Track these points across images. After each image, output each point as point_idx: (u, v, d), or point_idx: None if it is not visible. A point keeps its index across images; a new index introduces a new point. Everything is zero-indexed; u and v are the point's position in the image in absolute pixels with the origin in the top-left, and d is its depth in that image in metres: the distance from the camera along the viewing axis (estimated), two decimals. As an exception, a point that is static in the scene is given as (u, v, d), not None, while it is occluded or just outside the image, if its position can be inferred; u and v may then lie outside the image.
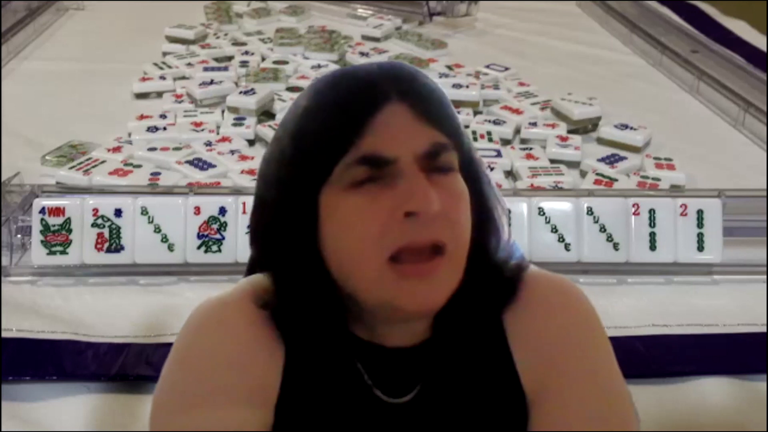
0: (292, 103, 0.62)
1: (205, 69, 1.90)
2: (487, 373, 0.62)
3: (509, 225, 1.17)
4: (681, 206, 1.20)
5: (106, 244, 1.15)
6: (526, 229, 1.19)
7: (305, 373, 0.60)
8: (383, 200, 0.55)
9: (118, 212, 1.16)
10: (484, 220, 0.61)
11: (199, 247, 1.16)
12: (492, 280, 0.62)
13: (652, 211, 1.20)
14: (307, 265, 0.59)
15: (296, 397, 0.59)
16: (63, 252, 1.15)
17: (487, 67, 2.03)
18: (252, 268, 0.65)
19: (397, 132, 0.56)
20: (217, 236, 1.16)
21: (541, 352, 0.61)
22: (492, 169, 1.45)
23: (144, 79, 1.88)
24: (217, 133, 1.60)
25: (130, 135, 1.60)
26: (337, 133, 0.56)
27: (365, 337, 0.61)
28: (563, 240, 1.19)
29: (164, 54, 2.08)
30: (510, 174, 1.50)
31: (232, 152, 1.51)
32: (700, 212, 1.20)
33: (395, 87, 0.57)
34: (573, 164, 1.54)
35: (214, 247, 1.16)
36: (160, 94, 1.83)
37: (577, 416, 0.58)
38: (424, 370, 0.61)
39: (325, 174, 0.56)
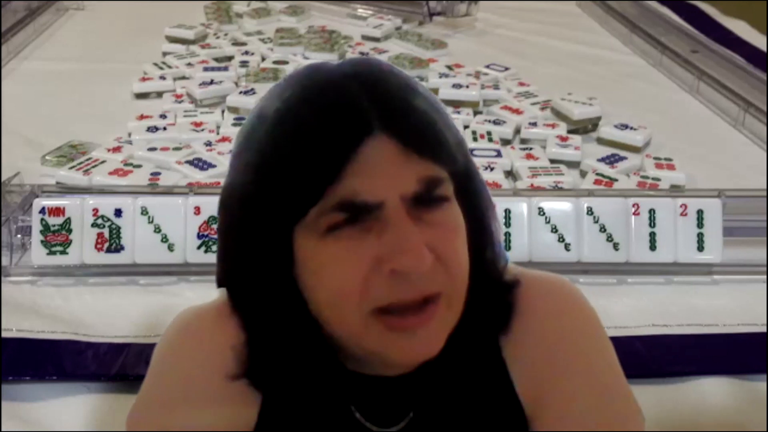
0: (255, 109, 0.53)
1: (205, 69, 1.90)
2: (482, 394, 0.57)
3: (505, 225, 1.18)
4: (681, 206, 1.20)
5: (106, 244, 1.15)
6: (526, 229, 1.19)
7: (287, 406, 0.56)
8: (365, 250, 0.48)
9: (118, 212, 1.16)
10: (481, 237, 0.56)
11: (199, 247, 1.16)
12: (489, 303, 0.56)
13: (652, 211, 1.20)
14: (283, 306, 0.53)
15: (276, 427, 0.56)
16: (63, 252, 1.15)
17: (487, 67, 2.03)
18: (220, 283, 0.59)
19: (381, 172, 0.48)
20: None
21: (540, 368, 0.57)
22: (492, 169, 1.45)
23: (144, 79, 1.88)
24: (217, 133, 1.60)
25: (130, 135, 1.60)
26: (310, 175, 0.48)
27: (352, 368, 0.56)
28: (563, 240, 1.19)
29: (164, 54, 2.08)
30: (510, 174, 1.50)
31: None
32: (700, 212, 1.20)
33: (380, 113, 0.48)
34: (573, 164, 1.53)
35: (215, 247, 1.16)
36: (160, 94, 1.83)
37: (579, 423, 0.56)
38: (416, 398, 0.57)
39: (296, 217, 0.49)
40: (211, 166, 1.44)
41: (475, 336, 0.56)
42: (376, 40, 2.29)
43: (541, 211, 1.19)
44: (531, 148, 1.57)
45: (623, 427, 0.56)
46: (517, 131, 1.68)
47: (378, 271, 0.48)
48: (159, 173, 1.39)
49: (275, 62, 2.00)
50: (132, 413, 0.57)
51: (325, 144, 0.48)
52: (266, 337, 0.54)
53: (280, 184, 0.49)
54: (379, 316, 0.49)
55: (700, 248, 1.20)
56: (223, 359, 0.55)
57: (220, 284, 0.59)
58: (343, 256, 0.48)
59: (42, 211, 1.15)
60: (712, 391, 1.00)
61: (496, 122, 1.69)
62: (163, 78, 1.88)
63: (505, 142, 1.63)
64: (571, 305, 0.61)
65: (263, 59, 2.07)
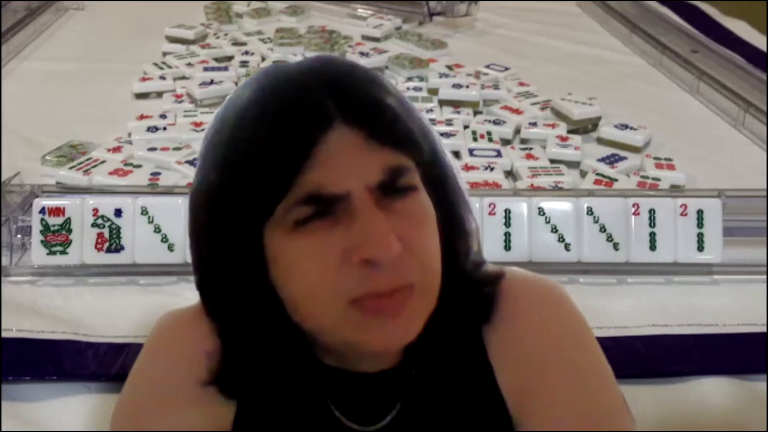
0: (218, 112, 0.54)
1: (205, 69, 1.90)
2: (467, 392, 0.57)
3: (505, 225, 1.18)
4: (681, 206, 1.20)
5: (106, 244, 1.15)
6: (526, 229, 1.19)
7: (264, 408, 0.55)
8: (334, 242, 0.48)
9: (118, 212, 1.16)
10: (453, 229, 0.56)
11: (199, 247, 1.16)
12: (467, 294, 0.56)
13: (652, 211, 1.20)
14: (258, 307, 0.52)
15: (254, 428, 0.55)
16: (63, 252, 1.15)
17: (487, 67, 2.03)
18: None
19: (345, 162, 0.48)
20: (217, 236, 1.16)
21: (524, 364, 0.57)
22: (492, 169, 1.45)
23: (144, 79, 1.88)
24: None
25: (130, 135, 1.60)
26: (273, 170, 0.48)
27: (333, 364, 0.56)
28: (563, 240, 1.19)
29: (164, 54, 2.08)
30: (510, 174, 1.50)
31: (232, 152, 1.50)
32: (700, 212, 1.20)
33: (340, 105, 0.49)
34: (573, 164, 1.53)
35: (214, 247, 1.16)
36: (160, 94, 1.83)
37: (563, 419, 0.55)
38: (398, 395, 0.56)
39: (264, 215, 0.49)
40: (211, 166, 1.44)
41: (455, 329, 0.56)
42: (376, 40, 2.29)
43: (541, 211, 1.19)
44: (531, 148, 1.57)
45: (609, 425, 0.56)
46: (517, 131, 1.68)
47: (348, 262, 0.48)
48: (159, 173, 1.39)
49: (275, 62, 2.00)
50: (114, 414, 0.58)
51: (286, 138, 0.48)
52: (239, 340, 0.54)
53: (244, 181, 0.49)
54: (354, 306, 0.49)
55: (700, 248, 1.20)
56: (196, 365, 0.55)
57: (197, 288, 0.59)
58: (313, 250, 0.48)
59: (42, 211, 1.15)
60: (712, 391, 1.00)
61: (496, 122, 1.69)
62: (163, 78, 1.88)
63: (505, 142, 1.63)
64: (556, 302, 0.60)
65: (263, 59, 2.07)
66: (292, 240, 0.49)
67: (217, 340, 0.55)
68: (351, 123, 0.49)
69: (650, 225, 1.20)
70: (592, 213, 1.20)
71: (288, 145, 0.48)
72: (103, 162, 1.44)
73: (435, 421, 0.57)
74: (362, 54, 2.08)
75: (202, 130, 1.60)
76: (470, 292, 0.57)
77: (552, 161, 1.52)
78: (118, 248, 1.16)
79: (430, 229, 0.51)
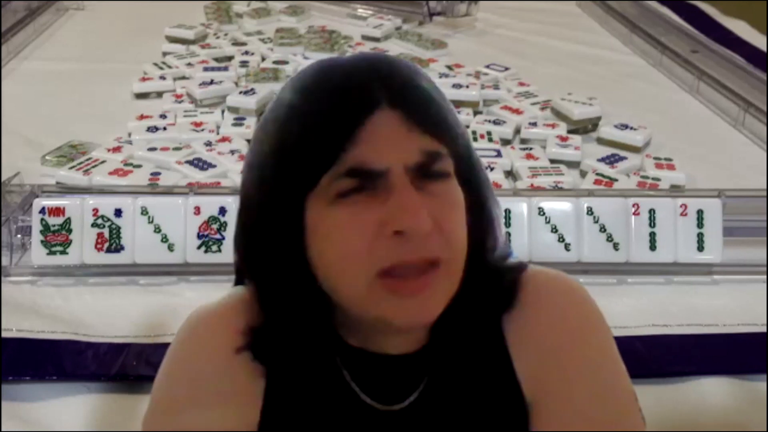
0: (274, 98, 0.59)
1: (205, 69, 1.90)
2: (485, 378, 0.60)
3: (505, 225, 1.18)
4: (681, 206, 1.20)
5: (106, 244, 1.15)
6: (526, 229, 1.19)
7: (290, 388, 0.58)
8: (370, 214, 0.52)
9: (118, 212, 1.16)
10: (481, 222, 0.58)
11: (199, 247, 1.16)
12: (490, 283, 0.59)
13: (652, 211, 1.20)
14: (293, 275, 0.56)
15: (281, 413, 0.58)
16: (63, 252, 1.15)
17: (487, 67, 2.03)
18: (238, 275, 0.63)
19: (387, 142, 0.52)
20: (217, 236, 1.16)
21: (541, 354, 0.59)
22: (492, 169, 1.45)
23: (144, 79, 1.88)
24: (217, 133, 1.60)
25: (130, 135, 1.60)
26: (323, 144, 0.52)
27: (358, 345, 0.59)
28: (563, 240, 1.19)
29: (164, 54, 2.08)
30: (510, 174, 1.50)
31: (232, 152, 1.50)
32: (700, 212, 1.20)
33: (386, 91, 0.53)
34: (573, 164, 1.54)
35: (214, 247, 1.16)
36: (160, 94, 1.83)
37: (578, 416, 0.57)
38: (421, 377, 0.59)
39: (309, 185, 0.53)
40: (211, 166, 1.44)
41: (477, 317, 0.59)
42: (376, 40, 2.29)
43: (541, 211, 1.19)
44: (531, 148, 1.57)
45: (622, 424, 0.57)
46: (517, 131, 1.68)
47: (382, 233, 0.51)
48: (159, 173, 1.39)
49: (275, 62, 2.00)
50: (146, 415, 0.59)
51: (336, 116, 0.52)
52: (273, 309, 0.57)
53: (294, 152, 0.54)
54: (382, 279, 0.52)
55: (700, 248, 1.20)
56: (230, 347, 0.58)
57: (237, 280, 0.62)
58: (350, 221, 0.52)
59: (42, 211, 1.15)
60: (712, 391, 1.00)
61: (496, 122, 1.69)
62: (163, 78, 1.88)
63: (505, 142, 1.63)
64: (574, 299, 0.62)
65: (263, 59, 2.07)
66: (333, 210, 0.52)
67: (250, 325, 0.58)
68: (395, 107, 0.53)
69: (650, 225, 1.20)
70: (592, 213, 1.20)
71: (337, 122, 0.52)
72: (103, 162, 1.44)
73: (454, 404, 0.59)
74: (362, 54, 2.08)
75: (202, 130, 1.61)
76: (493, 281, 0.59)
77: (552, 161, 1.52)
78: (118, 248, 1.16)
79: (460, 214, 0.55)
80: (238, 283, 0.63)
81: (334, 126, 0.52)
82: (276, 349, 0.58)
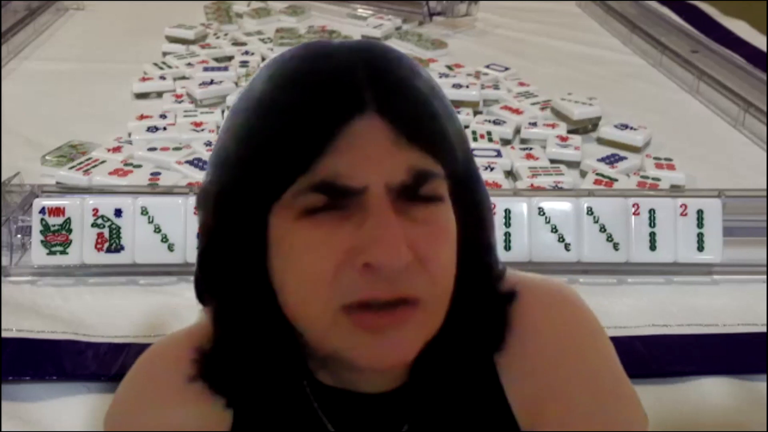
0: (246, 85, 0.49)
1: (205, 69, 1.90)
2: (475, 415, 0.53)
3: (505, 225, 1.18)
4: (681, 206, 1.20)
5: (106, 244, 1.15)
6: (526, 229, 1.19)
7: (257, 422, 0.52)
8: (341, 238, 0.43)
9: (118, 212, 1.16)
10: (473, 255, 0.50)
11: (199, 247, 1.16)
12: (481, 319, 0.51)
13: (652, 211, 1.20)
14: (251, 293, 0.48)
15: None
16: (63, 252, 1.15)
17: (487, 67, 2.03)
18: (198, 290, 0.54)
19: (369, 154, 0.43)
20: (217, 236, 1.16)
21: (536, 372, 0.53)
22: (492, 169, 1.45)
23: (144, 79, 1.88)
24: (217, 133, 1.60)
25: (130, 135, 1.60)
26: (291, 148, 0.43)
27: (330, 381, 0.51)
28: (563, 240, 1.19)
29: (164, 54, 2.07)
30: (510, 174, 1.50)
31: (232, 152, 1.50)
32: (700, 212, 1.20)
33: (376, 91, 0.44)
34: (573, 164, 1.53)
35: (214, 247, 1.16)
36: (160, 94, 1.83)
37: (578, 424, 0.53)
38: (401, 417, 0.52)
39: (274, 194, 0.45)
40: (211, 166, 1.44)
41: (466, 354, 0.52)
42: (376, 40, 2.29)
43: (541, 211, 1.19)
44: (531, 148, 1.57)
45: (627, 428, 0.54)
46: (517, 131, 1.68)
47: (351, 263, 0.43)
48: (159, 173, 1.39)
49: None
50: (107, 413, 0.55)
51: (312, 116, 0.43)
52: (231, 331, 0.50)
53: (260, 153, 0.45)
54: (348, 313, 0.44)
55: (700, 248, 1.20)
56: (186, 363, 0.51)
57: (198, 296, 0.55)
58: (317, 242, 0.44)
59: (42, 211, 1.15)
60: (712, 391, 1.00)
61: (496, 122, 1.69)
62: (163, 78, 1.88)
63: (505, 142, 1.63)
64: (570, 313, 0.56)
65: (263, 59, 2.06)
66: (299, 227, 0.44)
67: (207, 345, 0.52)
68: (384, 113, 0.44)
69: (650, 225, 1.20)
70: (592, 213, 1.20)
71: (312, 124, 0.43)
72: (103, 162, 1.44)
73: None
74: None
75: (202, 130, 1.61)
76: (485, 319, 0.52)
77: (552, 161, 1.52)
78: (118, 248, 1.16)
79: (448, 245, 0.46)
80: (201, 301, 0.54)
81: (308, 127, 0.43)
82: (231, 377, 0.50)
